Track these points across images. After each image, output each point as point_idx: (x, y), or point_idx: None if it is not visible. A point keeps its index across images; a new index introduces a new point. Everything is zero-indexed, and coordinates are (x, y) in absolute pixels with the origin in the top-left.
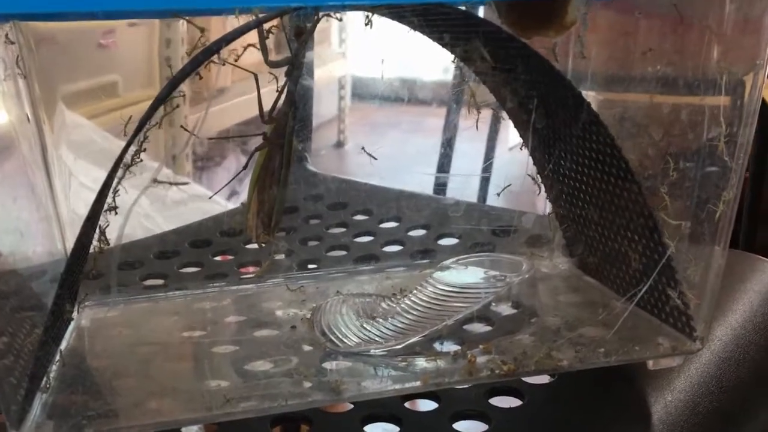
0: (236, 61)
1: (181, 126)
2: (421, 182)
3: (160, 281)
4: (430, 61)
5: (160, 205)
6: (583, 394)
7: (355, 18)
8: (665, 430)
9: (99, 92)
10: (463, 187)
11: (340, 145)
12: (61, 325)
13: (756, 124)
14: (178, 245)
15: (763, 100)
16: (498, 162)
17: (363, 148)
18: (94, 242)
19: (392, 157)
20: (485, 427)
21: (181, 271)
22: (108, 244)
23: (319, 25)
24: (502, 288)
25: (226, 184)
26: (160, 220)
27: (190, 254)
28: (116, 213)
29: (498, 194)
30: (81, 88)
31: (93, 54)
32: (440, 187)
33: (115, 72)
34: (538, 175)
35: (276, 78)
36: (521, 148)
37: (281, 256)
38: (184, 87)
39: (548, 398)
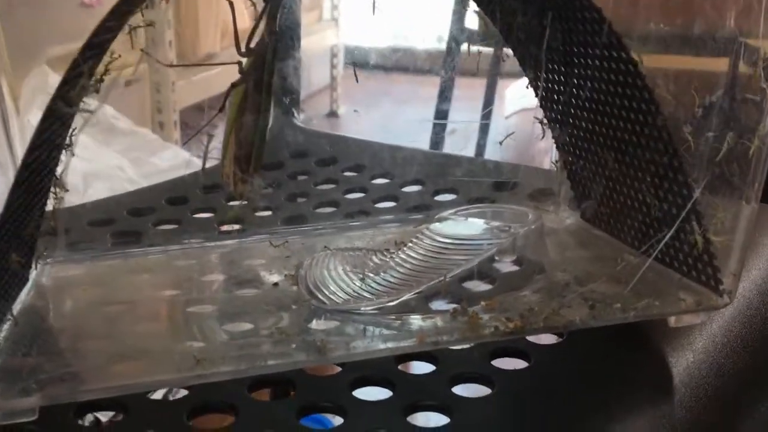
0: None
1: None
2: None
3: (133, 239)
4: (425, 29)
5: (144, 172)
6: (595, 355)
7: None
8: (688, 394)
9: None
10: (460, 145)
11: (333, 114)
12: (10, 280)
13: None
14: (154, 202)
15: None
16: (495, 128)
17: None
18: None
19: (387, 126)
20: (488, 391)
21: (156, 228)
22: (65, 189)
23: None
24: (505, 239)
25: (199, 130)
26: (144, 185)
27: (167, 211)
28: (72, 154)
29: (500, 143)
30: (65, 50)
31: (76, 13)
32: (437, 144)
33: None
34: (545, 117)
35: (254, 4)
36: (527, 87)
37: (265, 213)
38: (171, 54)
39: (557, 360)
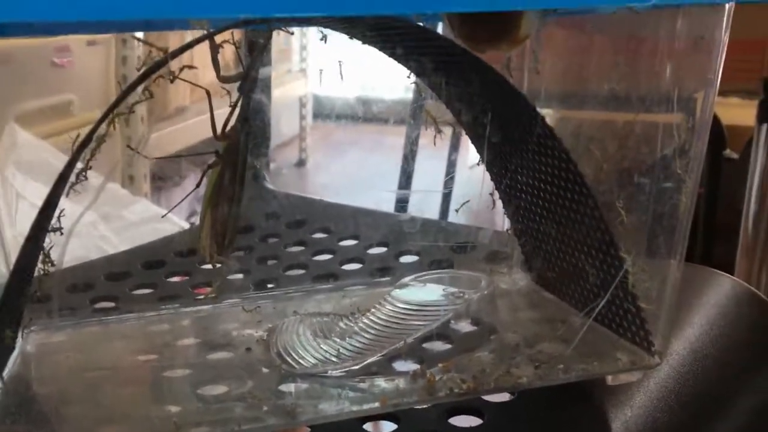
0: (184, 75)
1: (128, 146)
2: (382, 200)
3: (111, 304)
4: (391, 79)
5: (115, 227)
6: (543, 411)
7: (314, 36)
8: None
9: (53, 112)
10: (424, 205)
11: (301, 163)
12: (2, 353)
13: (707, 140)
14: (129, 266)
15: (714, 116)
16: (460, 180)
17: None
18: (39, 264)
19: (353, 175)
20: None
21: (132, 293)
22: (53, 265)
23: (279, 45)
24: (460, 305)
25: (178, 203)
26: (116, 242)
27: (143, 275)
28: (61, 233)
29: (457, 210)
30: (34, 108)
31: (47, 73)
32: (401, 204)
33: (70, 91)
34: (496, 190)
35: (229, 94)
36: (478, 164)
37: (237, 276)
38: (141, 107)
39: (509, 416)
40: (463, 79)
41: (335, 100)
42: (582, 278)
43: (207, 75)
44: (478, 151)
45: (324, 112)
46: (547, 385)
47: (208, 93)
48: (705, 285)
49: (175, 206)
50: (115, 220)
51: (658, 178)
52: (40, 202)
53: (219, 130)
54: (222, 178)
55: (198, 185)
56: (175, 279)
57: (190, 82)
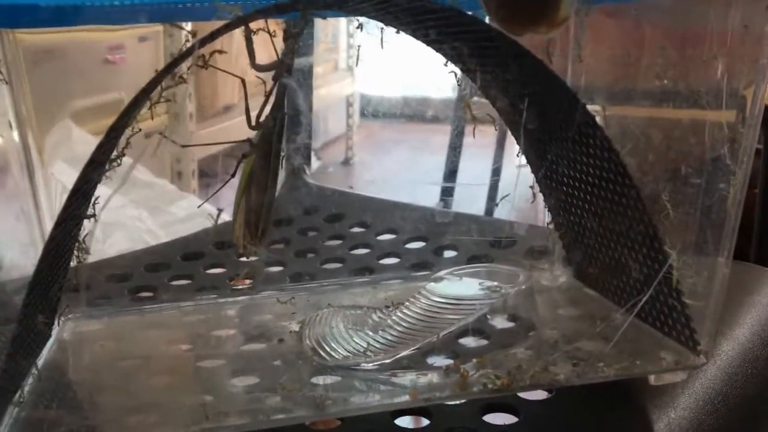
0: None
1: (162, 134)
2: (427, 196)
3: (149, 294)
4: (438, 79)
5: (162, 221)
6: (581, 411)
7: (362, 35)
8: None
9: (105, 109)
10: (469, 202)
11: (347, 162)
12: (36, 338)
13: (758, 133)
14: (168, 257)
15: (766, 108)
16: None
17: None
18: (74, 252)
19: (399, 173)
20: None
21: (170, 283)
22: (87, 253)
23: (327, 44)
24: (497, 299)
25: (213, 193)
26: (161, 235)
27: (181, 267)
28: (96, 221)
29: (497, 204)
30: (87, 104)
31: (100, 70)
32: (445, 199)
33: (121, 88)
34: (536, 182)
35: (264, 82)
36: (518, 155)
37: (274, 269)
38: (190, 104)
39: (545, 415)
40: (499, 64)
41: (382, 99)
42: (624, 273)
43: (241, 63)
44: (516, 140)
45: (371, 110)
46: (585, 383)
47: (243, 81)
48: (758, 284)
49: (210, 197)
50: (162, 215)
51: (706, 170)
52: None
53: (254, 119)
54: (255, 167)
55: (233, 175)
56: (214, 271)
57: (223, 71)
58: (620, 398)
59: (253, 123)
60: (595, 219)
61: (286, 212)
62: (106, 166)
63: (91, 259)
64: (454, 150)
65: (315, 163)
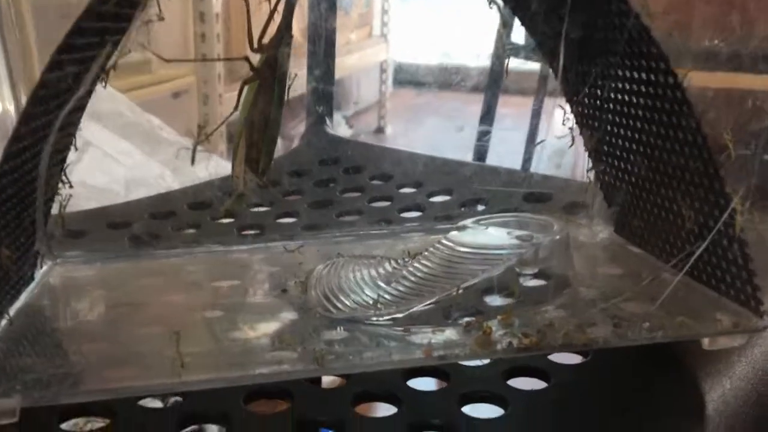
0: None
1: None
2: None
3: (150, 241)
4: (474, 47)
5: (185, 181)
6: (621, 377)
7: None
8: (723, 424)
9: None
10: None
11: (380, 130)
12: (7, 279)
13: None
14: (175, 206)
15: None
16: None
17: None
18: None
19: (432, 143)
20: (501, 411)
21: (174, 232)
22: (71, 186)
23: (360, 8)
24: (527, 250)
25: (214, 130)
26: None
27: (188, 215)
28: (76, 149)
29: (534, 145)
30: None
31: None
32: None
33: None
34: (575, 121)
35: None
36: (556, 90)
37: (288, 219)
38: (219, 66)
39: (579, 381)
40: None
41: (416, 66)
42: (676, 224)
43: None
44: (553, 69)
45: (404, 78)
46: (627, 345)
47: None
48: None
49: (211, 134)
50: (185, 175)
51: None
52: (112, 150)
53: (256, 40)
54: (258, 96)
55: (236, 107)
56: (222, 221)
57: None
58: (667, 365)
59: (256, 45)
60: (644, 156)
61: (304, 164)
62: (74, 70)
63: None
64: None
65: (347, 131)
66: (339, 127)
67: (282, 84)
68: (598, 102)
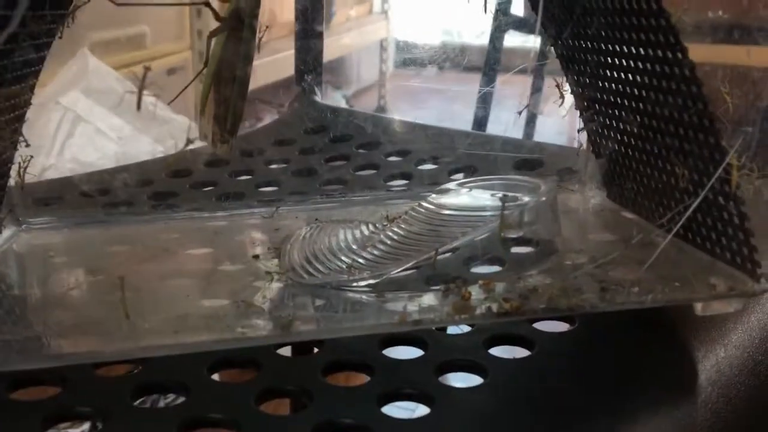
0: None
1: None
2: None
3: (123, 209)
4: (477, 25)
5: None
6: (609, 345)
7: None
8: (715, 393)
9: (126, 42)
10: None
11: (381, 110)
12: None
13: None
14: (153, 174)
15: None
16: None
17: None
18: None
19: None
20: (479, 380)
21: (149, 200)
22: (27, 144)
23: None
24: (512, 211)
25: (181, 91)
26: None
27: (165, 183)
28: (30, 104)
29: (519, 113)
30: (108, 37)
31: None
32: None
33: (144, 23)
34: (565, 77)
35: None
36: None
37: (269, 188)
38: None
39: (564, 350)
40: None
41: (417, 45)
42: (669, 183)
43: None
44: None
45: (406, 56)
46: (615, 310)
47: None
48: None
49: (178, 95)
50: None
51: None
52: (103, 126)
53: None
54: (226, 48)
55: (205, 63)
56: (202, 190)
57: None
58: (657, 332)
59: None
60: (635, 108)
61: (290, 133)
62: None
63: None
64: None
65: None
66: (326, 89)
67: (251, 33)
68: (583, 43)
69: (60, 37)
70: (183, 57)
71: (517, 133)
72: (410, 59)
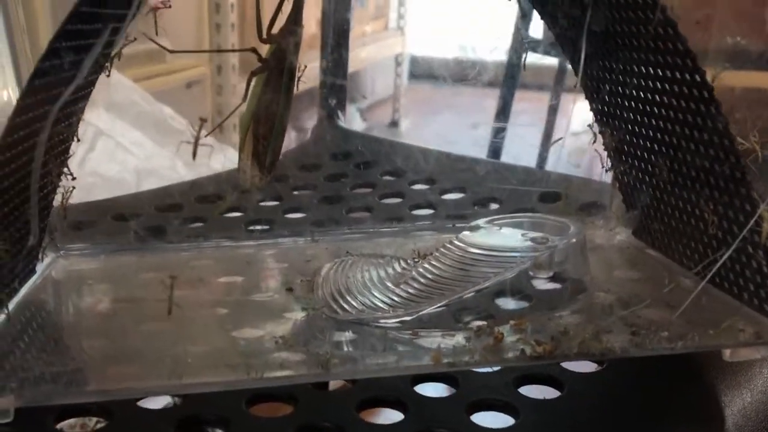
0: None
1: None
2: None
3: (156, 235)
4: (492, 40)
5: (197, 173)
6: (637, 388)
7: None
8: None
9: (146, 56)
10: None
11: (394, 124)
12: (5, 273)
13: None
14: (183, 198)
15: None
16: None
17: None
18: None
19: (447, 138)
20: (512, 421)
21: (181, 226)
22: (74, 178)
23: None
24: (542, 252)
25: (219, 124)
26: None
27: (195, 209)
28: (78, 140)
29: (552, 143)
30: (128, 51)
31: (144, 15)
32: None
33: (164, 36)
34: (594, 119)
35: None
36: (575, 86)
37: (296, 215)
38: (233, 56)
39: (593, 390)
40: None
41: (433, 60)
42: (698, 228)
43: None
44: (573, 66)
45: (420, 72)
46: (645, 355)
47: None
48: None
49: (215, 128)
50: (197, 167)
51: None
52: (124, 140)
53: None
54: (266, 87)
55: (244, 98)
56: (230, 215)
57: None
58: (685, 375)
59: (265, 35)
60: (667, 157)
61: (315, 158)
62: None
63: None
64: (504, 107)
65: (361, 124)
66: (353, 121)
67: (291, 76)
68: (620, 99)
69: (108, 75)
70: (201, 71)
71: (553, 163)
72: (425, 74)
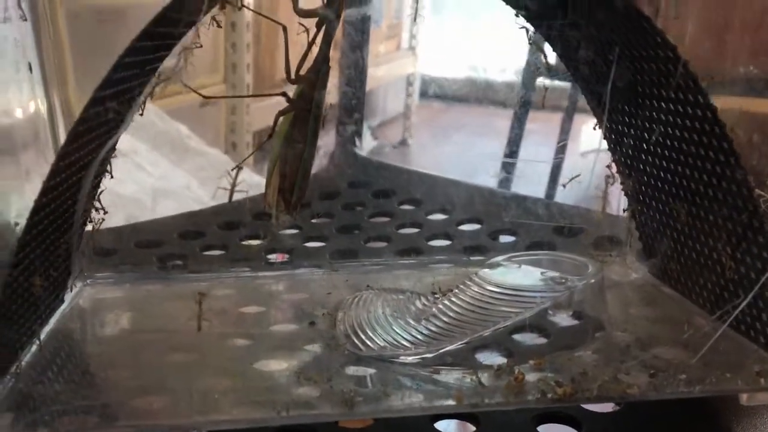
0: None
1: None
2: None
3: (178, 263)
4: (503, 61)
5: (212, 191)
6: (655, 428)
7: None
8: None
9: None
10: (531, 186)
11: (404, 143)
12: (34, 304)
13: None
14: (204, 226)
15: None
16: (567, 167)
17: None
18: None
19: (457, 157)
20: None
21: (203, 253)
22: (105, 212)
23: (390, 20)
24: (561, 292)
25: (247, 157)
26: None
27: (216, 236)
28: (111, 176)
29: (564, 186)
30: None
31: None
32: (505, 182)
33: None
34: (613, 161)
35: (307, 31)
36: (594, 128)
37: (316, 244)
38: (248, 76)
39: (611, 431)
40: (583, 7)
41: (443, 80)
42: (715, 272)
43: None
44: (594, 110)
45: (431, 91)
46: (663, 398)
47: (284, 29)
48: None
49: (243, 162)
50: (212, 184)
51: None
52: (142, 160)
53: (293, 72)
54: (293, 127)
55: (270, 135)
56: (250, 242)
57: (264, 16)
58: (702, 418)
59: (293, 76)
60: (686, 205)
61: (332, 186)
62: (114, 106)
63: (124, 222)
64: (516, 134)
65: (371, 143)
66: (364, 139)
67: (317, 117)
68: (642, 148)
69: (141, 114)
70: (217, 90)
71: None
72: (436, 94)
